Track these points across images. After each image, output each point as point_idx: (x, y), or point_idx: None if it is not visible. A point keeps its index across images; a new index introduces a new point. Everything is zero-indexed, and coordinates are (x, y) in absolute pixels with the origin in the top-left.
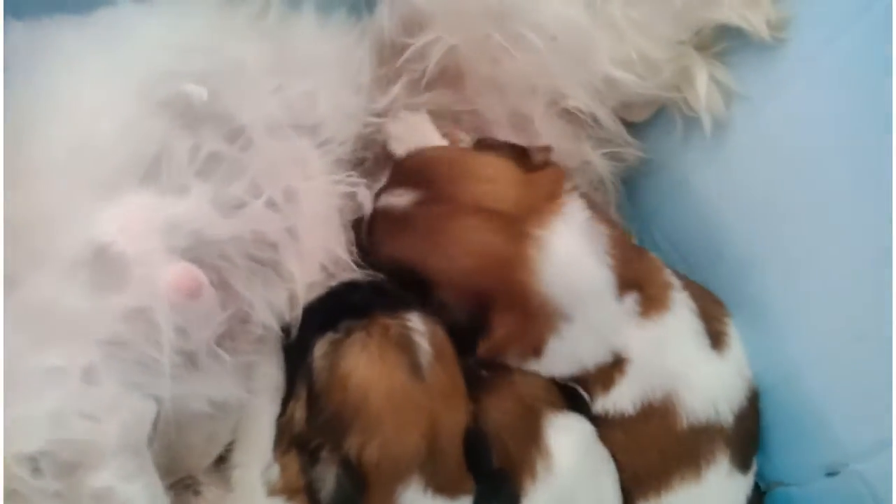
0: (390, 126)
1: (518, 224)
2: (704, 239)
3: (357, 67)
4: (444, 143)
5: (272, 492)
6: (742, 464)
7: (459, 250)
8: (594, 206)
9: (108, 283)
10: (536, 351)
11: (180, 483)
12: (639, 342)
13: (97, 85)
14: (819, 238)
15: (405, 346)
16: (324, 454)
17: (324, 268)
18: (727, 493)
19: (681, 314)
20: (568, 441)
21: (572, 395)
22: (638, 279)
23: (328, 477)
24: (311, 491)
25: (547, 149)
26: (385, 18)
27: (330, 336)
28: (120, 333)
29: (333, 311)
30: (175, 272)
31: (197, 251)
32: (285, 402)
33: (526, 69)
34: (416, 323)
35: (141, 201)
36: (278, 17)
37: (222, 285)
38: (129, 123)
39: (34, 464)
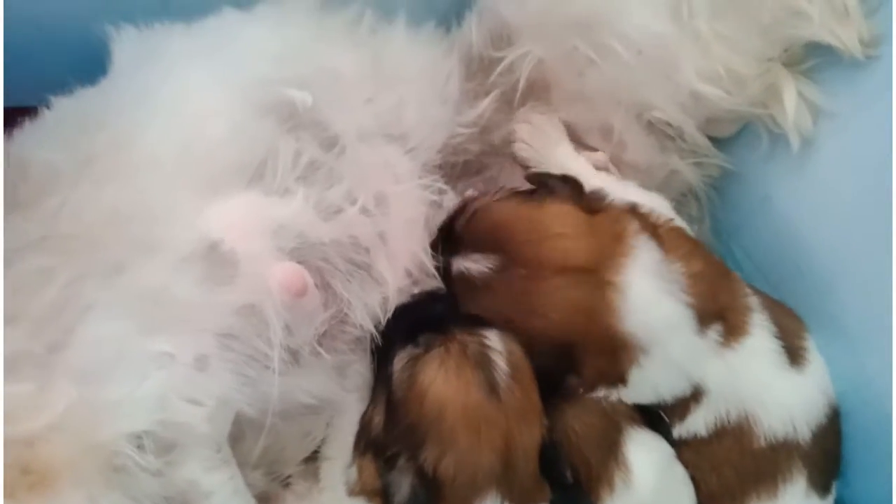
0: (518, 129)
1: (596, 274)
2: (786, 255)
3: (445, 79)
4: (571, 149)
5: (351, 492)
6: (821, 485)
7: (548, 310)
8: (671, 242)
9: (220, 278)
10: (622, 380)
11: (271, 476)
12: (718, 372)
13: (203, 88)
14: None
15: (482, 364)
16: (400, 462)
17: (409, 273)
18: None
19: (760, 336)
20: (647, 457)
21: (653, 416)
22: (720, 310)
23: (403, 484)
24: (386, 495)
25: (600, 196)
26: (473, 32)
27: (410, 350)
28: (232, 326)
29: (414, 322)
30: (284, 271)
31: (301, 252)
32: (367, 406)
33: (612, 81)
34: (494, 341)
35: (248, 202)
36: (371, 27)
37: (324, 286)
38: (236, 126)
39: (139, 441)
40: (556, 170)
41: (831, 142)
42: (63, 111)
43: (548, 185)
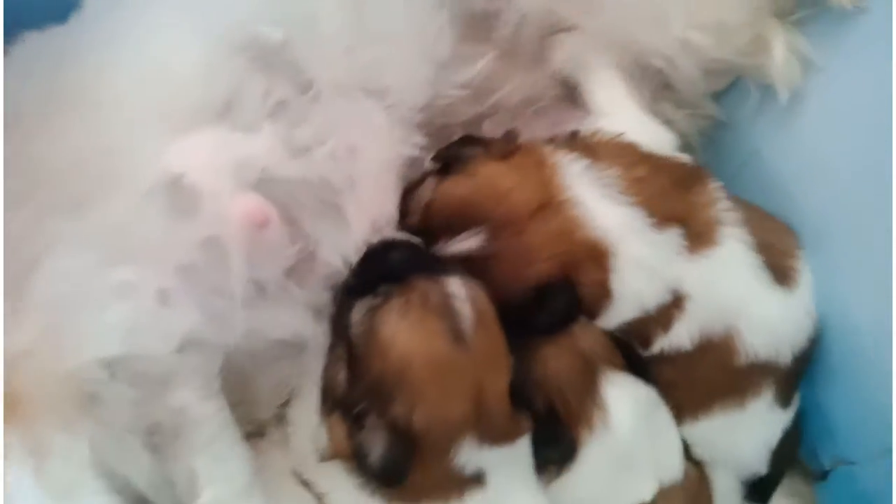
0: (558, 50)
1: (550, 202)
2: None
3: (434, 38)
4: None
5: (323, 458)
6: (785, 398)
7: (543, 252)
8: (607, 152)
9: (182, 212)
10: (607, 292)
11: (245, 422)
12: (693, 277)
13: (174, 26)
14: (891, 211)
15: (445, 312)
16: (370, 420)
17: (375, 225)
18: (765, 425)
19: (733, 248)
20: (627, 400)
21: (634, 359)
22: (676, 214)
23: (376, 443)
24: (358, 456)
25: (511, 134)
26: None
27: (369, 300)
28: (194, 260)
29: (371, 271)
30: (245, 202)
31: (266, 187)
32: (326, 362)
33: (609, 26)
34: (457, 287)
35: (213, 137)
36: None
37: (290, 221)
38: (204, 63)
39: (111, 369)
40: (592, 90)
41: (819, 96)
42: (33, 47)
43: (459, 156)
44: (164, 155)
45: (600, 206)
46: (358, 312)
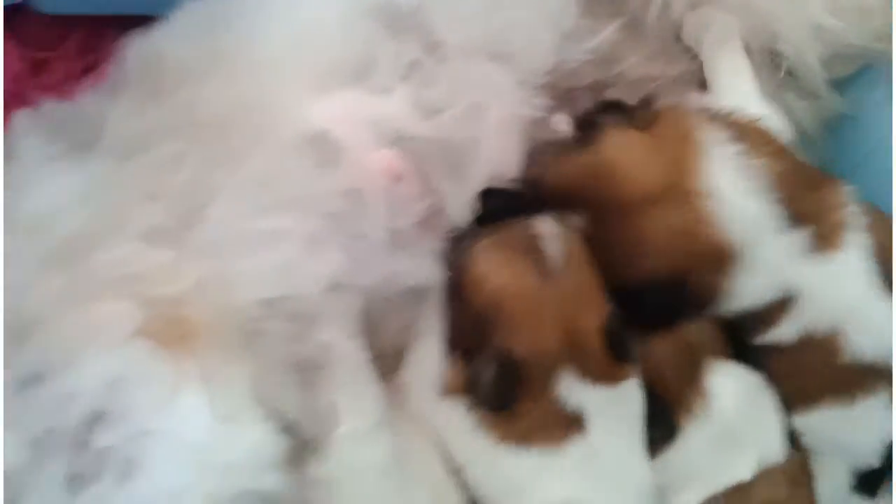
0: (690, 18)
1: (677, 188)
2: None
3: (561, 5)
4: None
5: (442, 392)
6: None
7: (652, 247)
8: (753, 139)
9: (326, 164)
10: (720, 293)
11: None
12: (810, 278)
13: None
14: None
15: (533, 250)
16: (477, 354)
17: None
18: (880, 421)
19: (854, 254)
20: (729, 386)
21: (740, 346)
22: (808, 214)
23: (484, 373)
24: (470, 387)
25: (646, 102)
26: None
27: (463, 243)
28: (338, 208)
29: (471, 218)
30: (383, 157)
31: (400, 144)
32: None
33: (745, 6)
34: (547, 227)
35: (353, 97)
36: None
37: (421, 177)
38: (342, 26)
39: (270, 308)
40: (717, 68)
41: None
42: (192, 13)
43: (595, 123)
44: (309, 112)
45: (741, 201)
46: (453, 255)
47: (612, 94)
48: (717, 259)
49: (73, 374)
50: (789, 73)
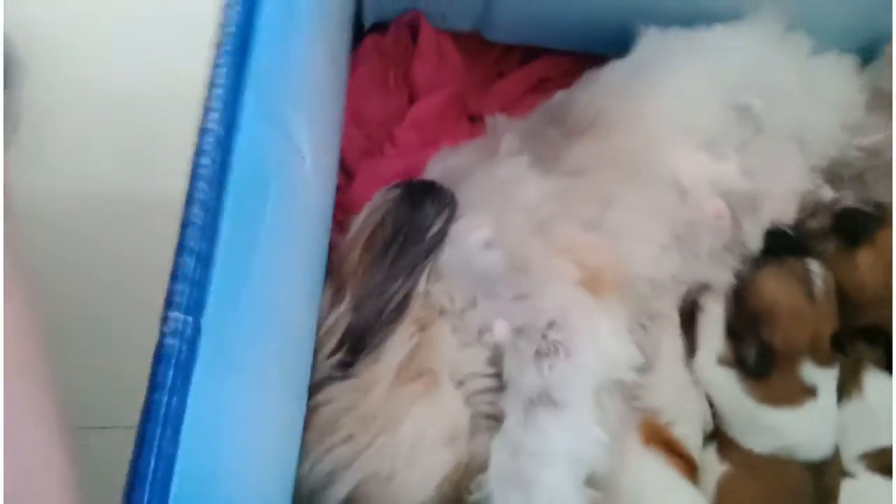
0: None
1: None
2: None
3: (852, 109)
4: None
5: (720, 361)
6: None
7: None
8: None
9: (679, 201)
10: None
11: None
12: None
13: (696, 77)
14: None
15: (804, 279)
16: (748, 339)
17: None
18: None
19: None
20: (882, 389)
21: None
22: None
23: (751, 352)
24: (740, 360)
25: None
26: (882, 70)
27: (759, 264)
28: (682, 232)
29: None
30: (714, 203)
31: (724, 195)
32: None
33: None
34: (815, 267)
35: (702, 158)
36: (811, 51)
37: (733, 217)
38: (710, 110)
39: (650, 285)
40: None
41: None
42: (619, 68)
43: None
44: (672, 162)
45: None
46: (751, 271)
47: (869, 178)
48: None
49: (544, 297)
50: None
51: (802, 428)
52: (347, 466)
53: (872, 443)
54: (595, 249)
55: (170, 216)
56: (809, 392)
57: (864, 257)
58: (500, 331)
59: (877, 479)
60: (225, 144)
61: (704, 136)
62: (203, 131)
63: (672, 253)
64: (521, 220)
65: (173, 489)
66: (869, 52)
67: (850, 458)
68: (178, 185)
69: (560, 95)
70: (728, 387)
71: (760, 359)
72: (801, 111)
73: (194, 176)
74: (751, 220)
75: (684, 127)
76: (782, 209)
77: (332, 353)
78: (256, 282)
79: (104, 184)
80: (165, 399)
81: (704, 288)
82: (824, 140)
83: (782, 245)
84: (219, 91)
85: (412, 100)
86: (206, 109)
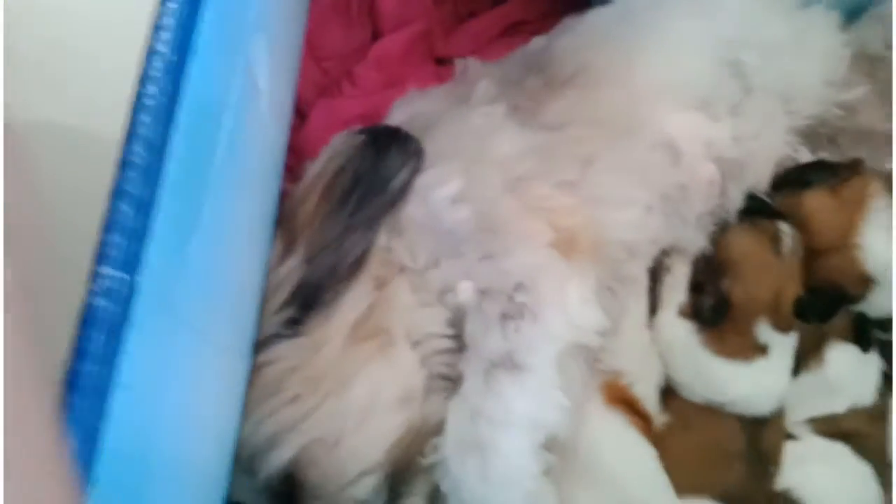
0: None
1: (846, 241)
2: None
3: (836, 65)
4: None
5: (680, 313)
6: None
7: (825, 271)
8: None
9: (671, 163)
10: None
11: None
12: None
13: (687, 35)
14: None
15: (774, 237)
16: (707, 288)
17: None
18: None
19: None
20: (840, 358)
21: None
22: None
23: (707, 302)
24: (696, 309)
25: (855, 163)
26: (870, 32)
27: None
28: (671, 194)
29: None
30: (707, 168)
31: (717, 160)
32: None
33: None
34: (785, 228)
35: (696, 119)
36: (802, 5)
37: (722, 184)
38: (701, 64)
39: (628, 251)
40: None
41: None
42: (593, 19)
43: (804, 179)
44: (665, 123)
45: (886, 251)
46: (723, 229)
47: (843, 142)
48: (862, 282)
49: (512, 258)
50: None
51: (744, 384)
52: (291, 429)
53: (823, 409)
54: (571, 211)
55: (104, 156)
56: (760, 350)
57: (814, 198)
58: (465, 292)
59: (821, 441)
60: (175, 71)
61: (697, 94)
62: (150, 54)
63: (656, 215)
64: (494, 175)
65: (97, 468)
66: (853, 15)
67: (796, 422)
68: (116, 119)
69: (539, 41)
70: (684, 337)
71: (715, 308)
72: (788, 66)
73: (137, 108)
74: (734, 186)
75: (676, 83)
76: (763, 174)
77: (281, 308)
78: (206, 232)
79: (25, 114)
80: (93, 369)
81: (674, 249)
82: (808, 97)
83: (757, 208)
84: (172, 6)
85: (375, 35)
86: (156, 28)
